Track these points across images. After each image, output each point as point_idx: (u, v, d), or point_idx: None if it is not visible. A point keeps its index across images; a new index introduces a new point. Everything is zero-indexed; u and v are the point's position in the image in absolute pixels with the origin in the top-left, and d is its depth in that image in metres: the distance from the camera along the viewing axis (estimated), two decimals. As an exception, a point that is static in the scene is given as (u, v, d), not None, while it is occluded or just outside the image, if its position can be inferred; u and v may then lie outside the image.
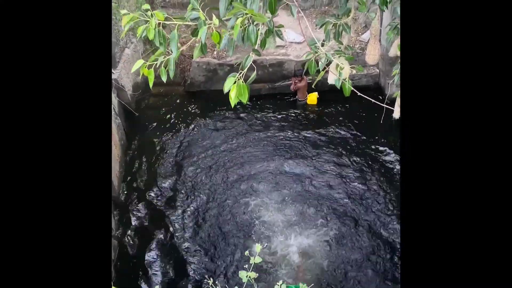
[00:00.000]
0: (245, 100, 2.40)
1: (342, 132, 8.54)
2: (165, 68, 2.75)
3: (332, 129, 8.62)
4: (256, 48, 2.65)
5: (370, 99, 2.56)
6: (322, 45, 2.61)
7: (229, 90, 2.43)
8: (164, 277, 6.19)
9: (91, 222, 1.75)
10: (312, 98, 9.05)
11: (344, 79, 2.41)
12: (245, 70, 2.52)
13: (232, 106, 2.40)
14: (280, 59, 9.11)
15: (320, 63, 2.54)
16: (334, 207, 7.05)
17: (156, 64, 2.80)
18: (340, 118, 8.80)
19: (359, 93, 2.43)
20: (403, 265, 1.71)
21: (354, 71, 2.50)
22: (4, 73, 1.70)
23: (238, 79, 2.41)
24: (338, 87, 2.47)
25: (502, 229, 1.60)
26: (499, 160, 1.64)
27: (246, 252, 2.34)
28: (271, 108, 9.20)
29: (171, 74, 2.67)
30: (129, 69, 8.98)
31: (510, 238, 1.59)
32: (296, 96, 9.19)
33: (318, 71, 2.60)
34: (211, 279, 2.33)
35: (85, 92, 1.84)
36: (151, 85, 2.93)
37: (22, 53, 1.73)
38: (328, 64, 2.52)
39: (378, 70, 9.11)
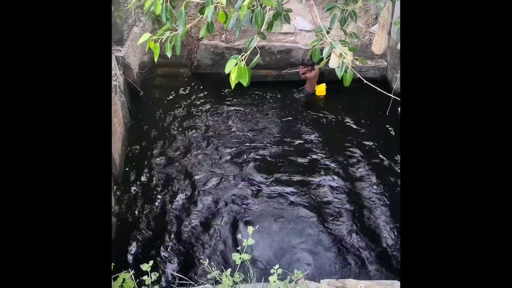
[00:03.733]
0: (245, 82, 2.39)
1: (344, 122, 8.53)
2: (171, 44, 2.75)
3: (333, 120, 8.61)
4: (262, 31, 2.64)
5: (376, 87, 2.54)
6: (328, 32, 2.59)
7: (230, 72, 2.42)
8: (160, 255, 6.24)
9: (91, 220, 1.74)
10: (321, 89, 9.01)
11: (346, 69, 2.40)
12: (248, 52, 2.51)
13: (232, 87, 2.40)
14: (288, 46, 9.05)
15: (324, 51, 2.53)
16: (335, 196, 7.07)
17: (162, 39, 2.81)
18: (344, 109, 8.76)
19: (365, 81, 2.42)
20: (403, 265, 1.70)
21: (358, 62, 2.49)
22: (3, 71, 1.69)
23: (240, 62, 2.40)
24: (339, 77, 2.45)
25: (503, 229, 1.60)
26: (501, 159, 1.63)
27: (239, 235, 2.33)
28: (275, 95, 9.18)
29: (177, 50, 2.67)
30: (136, 48, 8.97)
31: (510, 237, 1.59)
32: (304, 86, 9.16)
33: (321, 59, 2.59)
34: (207, 259, 2.34)
35: (85, 89, 1.83)
36: (156, 58, 2.95)
37: (22, 52, 1.72)
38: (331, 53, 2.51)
39: (385, 63, 9.04)
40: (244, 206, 6.94)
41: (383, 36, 3.51)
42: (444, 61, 1.72)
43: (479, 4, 1.67)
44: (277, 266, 2.14)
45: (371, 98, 8.57)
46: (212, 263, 2.29)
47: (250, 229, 2.27)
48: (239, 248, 2.26)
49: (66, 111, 1.76)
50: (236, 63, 2.37)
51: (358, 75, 2.63)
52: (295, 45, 9.08)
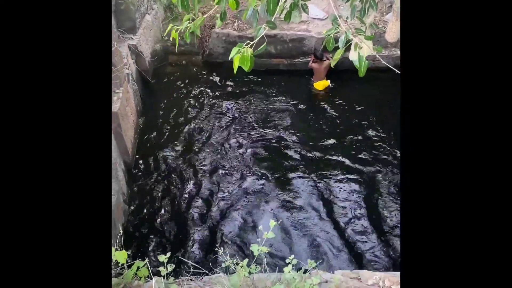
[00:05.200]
0: (247, 68, 2.46)
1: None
2: (190, 33, 2.84)
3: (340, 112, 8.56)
4: (273, 21, 2.63)
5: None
6: (345, 21, 2.57)
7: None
8: (173, 243, 6.29)
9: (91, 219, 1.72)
10: (320, 83, 8.93)
11: (363, 59, 2.37)
12: (255, 41, 2.51)
13: (234, 73, 2.49)
14: (301, 35, 8.98)
15: (340, 40, 2.50)
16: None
17: (182, 29, 2.90)
18: (353, 100, 8.70)
19: (391, 66, 2.40)
20: (403, 265, 1.70)
21: (375, 52, 2.46)
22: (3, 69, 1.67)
23: (244, 49, 2.42)
24: (357, 67, 2.43)
25: (504, 229, 1.59)
26: (502, 159, 1.62)
27: (260, 227, 2.33)
28: (287, 84, 9.14)
29: (197, 32, 2.76)
30: (148, 36, 8.97)
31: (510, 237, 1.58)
32: (313, 77, 9.10)
33: (336, 48, 2.56)
34: (222, 248, 2.34)
35: (85, 86, 1.80)
36: (177, 46, 3.04)
37: (22, 52, 1.70)
38: (348, 42, 2.48)
39: (399, 52, 8.94)
40: (260, 195, 6.94)
41: (397, 24, 3.44)
42: (444, 60, 1.70)
43: (479, 3, 1.66)
44: (292, 256, 2.13)
45: (384, 88, 8.52)
46: (227, 253, 2.30)
47: (272, 222, 2.27)
48: (258, 239, 2.24)
49: (66, 109, 1.74)
50: (239, 51, 2.42)
51: (386, 64, 2.62)
52: (307, 34, 9.01)
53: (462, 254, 1.59)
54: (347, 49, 2.52)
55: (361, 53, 2.43)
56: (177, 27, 2.74)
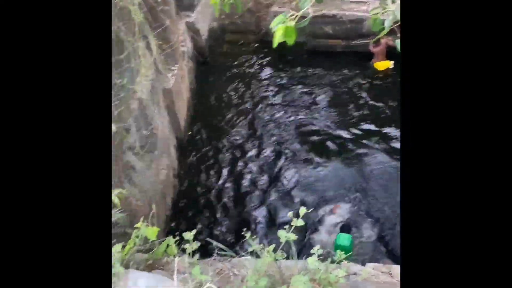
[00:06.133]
0: (291, 41, 2.27)
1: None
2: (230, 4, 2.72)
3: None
4: None
5: None
6: (393, 1, 2.40)
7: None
8: (209, 220, 6.38)
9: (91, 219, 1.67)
10: (382, 65, 8.60)
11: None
12: (301, 12, 2.37)
13: (274, 45, 2.29)
14: (360, 16, 8.68)
15: (386, 21, 2.35)
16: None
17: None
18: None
19: None
20: (403, 266, 1.68)
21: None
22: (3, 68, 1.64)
23: (288, 20, 2.28)
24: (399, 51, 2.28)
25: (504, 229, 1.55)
26: (502, 161, 1.57)
27: (290, 213, 2.25)
28: (342, 66, 8.89)
29: (239, 10, 2.63)
30: (206, 13, 9.01)
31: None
32: (372, 60, 8.78)
33: (382, 29, 2.41)
34: (249, 232, 2.31)
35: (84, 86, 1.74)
36: (217, 14, 2.93)
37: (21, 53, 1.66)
38: (396, 23, 2.33)
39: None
40: (301, 180, 6.87)
41: None
42: (444, 59, 1.66)
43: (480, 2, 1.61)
44: (318, 246, 2.07)
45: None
46: (255, 237, 2.27)
47: (303, 210, 2.19)
48: (286, 227, 2.17)
49: (65, 107, 1.69)
50: (284, 21, 2.26)
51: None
52: (367, 15, 8.68)
53: (462, 253, 1.57)
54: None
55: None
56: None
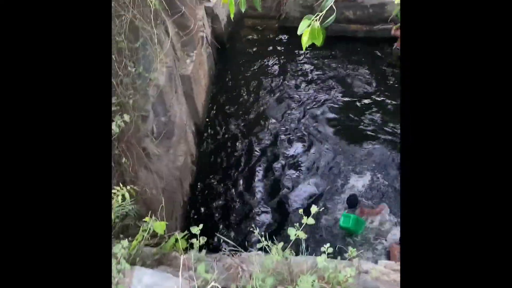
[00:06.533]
0: (319, 43, 2.24)
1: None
2: None
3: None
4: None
5: None
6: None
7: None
8: (220, 214, 6.39)
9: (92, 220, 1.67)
10: None
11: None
12: (324, 12, 2.31)
13: (304, 49, 2.27)
14: (381, 0, 8.46)
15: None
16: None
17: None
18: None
19: None
20: (403, 266, 1.67)
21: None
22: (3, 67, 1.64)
23: (314, 22, 2.24)
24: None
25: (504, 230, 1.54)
26: (503, 161, 1.57)
27: (300, 211, 2.21)
28: (364, 52, 8.72)
29: (242, 7, 2.56)
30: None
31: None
32: (395, 44, 8.57)
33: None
34: (257, 228, 2.28)
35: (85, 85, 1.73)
36: (232, 15, 2.88)
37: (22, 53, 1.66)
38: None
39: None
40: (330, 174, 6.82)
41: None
42: (445, 59, 1.65)
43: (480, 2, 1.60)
44: (328, 245, 2.03)
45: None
46: (264, 233, 2.24)
47: (314, 208, 2.14)
48: (296, 224, 2.13)
49: (65, 106, 1.69)
50: (309, 24, 2.22)
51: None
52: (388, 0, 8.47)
53: (462, 253, 1.57)
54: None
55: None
56: (233, -10, 2.56)
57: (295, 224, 2.06)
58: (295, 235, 2.01)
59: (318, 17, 2.38)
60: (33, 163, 1.62)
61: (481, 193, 1.57)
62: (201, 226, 2.08)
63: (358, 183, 6.49)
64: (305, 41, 2.36)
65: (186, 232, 2.21)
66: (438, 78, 1.65)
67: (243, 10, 2.61)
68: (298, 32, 2.36)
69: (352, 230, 5.64)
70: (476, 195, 1.57)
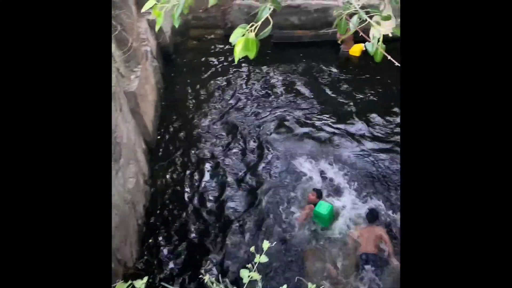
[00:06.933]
0: (252, 55, 2.11)
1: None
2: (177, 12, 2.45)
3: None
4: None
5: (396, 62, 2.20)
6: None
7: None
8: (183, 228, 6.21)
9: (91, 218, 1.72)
10: (355, 49, 8.50)
11: (375, 43, 2.06)
12: (259, 23, 2.19)
13: (236, 61, 2.13)
14: (326, 5, 8.54)
15: (352, 21, 2.18)
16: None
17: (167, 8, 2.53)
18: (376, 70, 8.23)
19: (389, 57, 2.07)
20: (403, 266, 1.68)
21: (390, 34, 2.13)
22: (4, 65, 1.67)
23: (248, 32, 2.10)
24: (371, 53, 2.12)
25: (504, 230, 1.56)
26: (503, 160, 1.58)
27: (252, 248, 2.07)
28: (311, 56, 8.74)
29: (175, 23, 2.37)
30: (169, 10, 8.69)
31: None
32: (341, 46, 8.65)
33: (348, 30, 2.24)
34: (207, 275, 2.09)
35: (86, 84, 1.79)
36: (157, 29, 2.68)
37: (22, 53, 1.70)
38: (362, 24, 2.16)
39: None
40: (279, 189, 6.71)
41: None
42: (445, 59, 1.67)
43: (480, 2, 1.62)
44: (285, 286, 1.88)
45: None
46: (215, 274, 2.06)
47: (266, 244, 1.99)
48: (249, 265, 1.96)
49: (65, 106, 1.73)
50: (243, 34, 2.08)
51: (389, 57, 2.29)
52: (333, 3, 8.53)
53: (463, 253, 1.58)
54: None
55: (376, 35, 2.12)
56: (162, 4, 2.37)
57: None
58: (249, 277, 1.85)
59: (253, 28, 2.26)
60: (31, 162, 1.65)
61: (481, 193, 1.57)
62: (145, 279, 1.87)
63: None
64: (238, 52, 2.23)
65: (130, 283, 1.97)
66: (438, 78, 1.64)
67: (176, 26, 2.43)
68: (230, 41, 2.23)
69: (326, 218, 5.71)
70: (476, 195, 1.57)
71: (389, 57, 2.07)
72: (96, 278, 1.66)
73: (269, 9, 2.25)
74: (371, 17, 2.14)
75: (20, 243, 1.58)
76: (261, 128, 7.51)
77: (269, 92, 8.19)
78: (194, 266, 5.58)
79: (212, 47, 9.22)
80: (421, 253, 1.60)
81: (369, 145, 7.06)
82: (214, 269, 5.52)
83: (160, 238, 6.02)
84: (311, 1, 8.50)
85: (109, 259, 1.77)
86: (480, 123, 1.59)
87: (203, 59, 9.01)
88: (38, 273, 1.58)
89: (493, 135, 1.57)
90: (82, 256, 1.64)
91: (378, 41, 2.12)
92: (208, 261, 5.64)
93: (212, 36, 9.42)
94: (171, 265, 5.67)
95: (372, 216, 5.72)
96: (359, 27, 2.13)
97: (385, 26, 2.19)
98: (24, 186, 1.62)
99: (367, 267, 5.31)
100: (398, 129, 7.21)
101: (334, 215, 5.88)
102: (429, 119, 1.65)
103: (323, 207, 5.72)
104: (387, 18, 2.12)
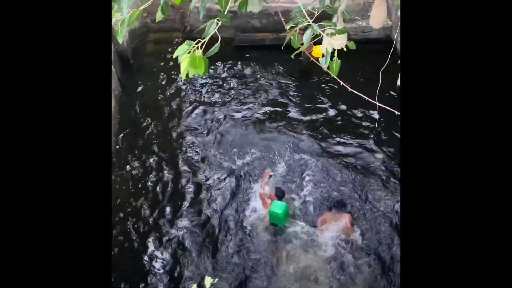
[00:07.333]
0: (201, 72, 2.03)
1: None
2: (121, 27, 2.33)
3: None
4: (225, 14, 2.21)
5: (362, 95, 2.15)
6: (313, 13, 2.15)
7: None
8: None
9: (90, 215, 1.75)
10: (317, 51, 8.49)
11: (328, 57, 1.99)
12: (207, 39, 2.10)
13: (183, 78, 2.05)
14: (286, 7, 8.45)
15: (305, 35, 2.10)
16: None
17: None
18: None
19: (349, 88, 2.01)
20: (403, 266, 1.71)
21: (344, 48, 2.07)
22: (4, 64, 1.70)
23: (195, 49, 2.01)
24: (325, 67, 2.05)
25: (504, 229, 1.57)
26: (502, 160, 1.60)
27: (194, 286, 2.00)
28: (273, 59, 8.68)
29: (119, 38, 2.26)
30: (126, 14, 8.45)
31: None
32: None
33: (302, 44, 2.17)
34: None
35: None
36: (120, 40, 2.56)
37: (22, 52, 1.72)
38: (315, 38, 2.09)
39: (390, 22, 8.46)
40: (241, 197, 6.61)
41: (382, 8, 3.01)
42: (444, 59, 1.67)
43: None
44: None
45: (373, 61, 8.09)
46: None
47: (208, 280, 1.89)
48: None
49: (64, 104, 1.75)
50: (189, 51, 1.98)
51: (342, 83, 2.24)
52: (294, 5, 8.48)
53: (463, 253, 1.59)
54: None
55: (329, 49, 2.04)
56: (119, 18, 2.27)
57: None
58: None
59: (199, 45, 2.17)
60: (31, 162, 1.66)
61: (481, 193, 1.58)
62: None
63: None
64: (184, 69, 2.13)
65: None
66: (438, 78, 1.65)
67: (120, 42, 2.31)
68: (174, 57, 2.15)
69: (281, 218, 5.70)
70: (476, 195, 1.58)
71: (341, 83, 2.01)
72: (96, 278, 1.68)
73: (216, 24, 2.15)
74: (323, 31, 2.07)
75: (20, 243, 1.61)
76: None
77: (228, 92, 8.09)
78: None
79: (171, 50, 9.01)
80: (421, 253, 1.61)
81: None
82: None
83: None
84: (272, 4, 8.42)
85: (109, 259, 1.79)
86: (480, 123, 1.60)
87: (162, 63, 8.80)
88: (38, 273, 1.61)
89: (493, 135, 1.58)
90: (82, 256, 1.67)
91: (332, 55, 2.05)
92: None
93: (171, 39, 9.21)
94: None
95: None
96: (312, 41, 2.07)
97: (338, 40, 2.12)
98: (24, 186, 1.64)
99: None
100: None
101: (289, 214, 5.87)
102: (429, 119, 1.66)
103: (278, 207, 5.70)
104: (342, 31, 2.05)
